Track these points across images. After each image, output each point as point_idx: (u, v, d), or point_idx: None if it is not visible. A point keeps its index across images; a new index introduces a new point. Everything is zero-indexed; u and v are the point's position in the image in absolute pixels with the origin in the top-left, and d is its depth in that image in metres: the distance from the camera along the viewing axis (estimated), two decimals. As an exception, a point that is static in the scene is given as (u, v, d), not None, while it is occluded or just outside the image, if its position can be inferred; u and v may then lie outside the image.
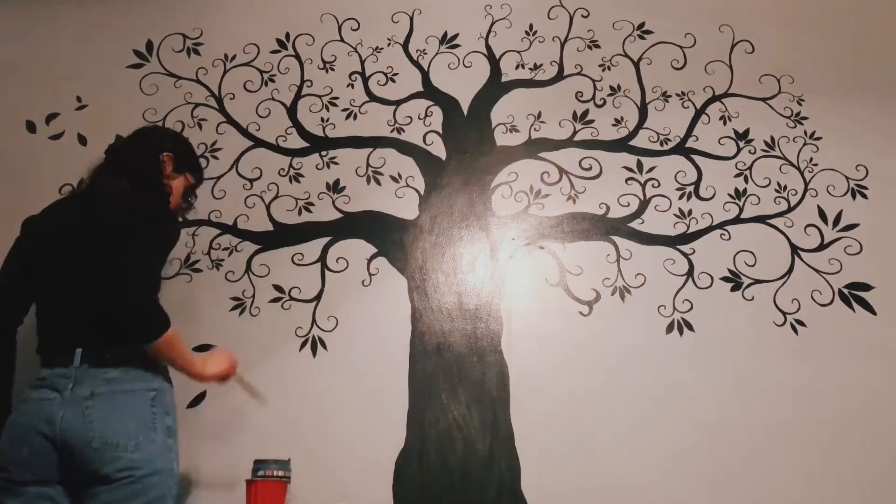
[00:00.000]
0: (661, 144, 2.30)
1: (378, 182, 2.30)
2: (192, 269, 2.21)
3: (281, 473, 1.80)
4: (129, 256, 1.57)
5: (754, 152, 2.28)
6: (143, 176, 1.78)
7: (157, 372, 1.62)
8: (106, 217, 1.65)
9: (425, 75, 2.42)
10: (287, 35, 2.48)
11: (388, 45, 2.46)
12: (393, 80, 2.42)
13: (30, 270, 1.70)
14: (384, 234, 2.23)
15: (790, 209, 2.21)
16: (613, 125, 2.33)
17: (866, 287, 2.11)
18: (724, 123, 2.32)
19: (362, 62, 2.44)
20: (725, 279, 2.14)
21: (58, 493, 1.52)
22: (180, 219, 2.01)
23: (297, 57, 2.45)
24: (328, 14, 2.50)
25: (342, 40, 2.48)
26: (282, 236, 2.24)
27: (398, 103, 2.39)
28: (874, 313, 2.09)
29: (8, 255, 1.76)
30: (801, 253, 2.16)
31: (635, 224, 2.21)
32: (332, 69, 2.44)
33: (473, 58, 2.44)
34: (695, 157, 2.28)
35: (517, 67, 2.42)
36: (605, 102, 2.36)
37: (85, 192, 1.81)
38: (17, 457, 1.51)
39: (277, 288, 2.18)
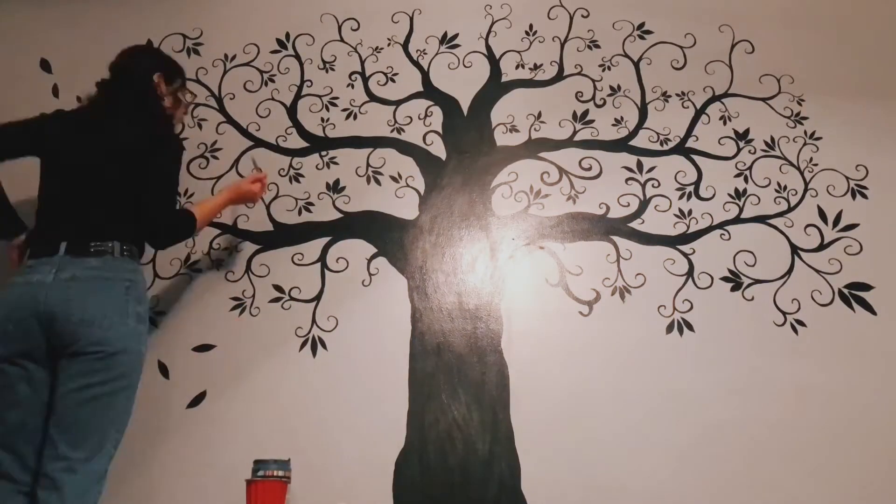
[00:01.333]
0: (661, 144, 2.30)
1: (378, 182, 2.30)
2: (192, 269, 2.21)
3: (281, 473, 1.80)
4: (161, 172, 1.83)
5: (754, 152, 2.28)
6: (143, 99, 1.93)
7: (132, 265, 1.77)
8: (132, 137, 1.83)
9: (425, 75, 2.42)
10: (287, 35, 2.48)
11: (388, 45, 2.46)
12: (393, 80, 2.42)
13: (46, 161, 1.89)
14: (384, 234, 2.23)
15: (790, 209, 2.21)
16: (613, 125, 2.33)
17: (866, 287, 2.11)
18: (724, 123, 2.32)
19: (362, 62, 2.44)
20: (725, 279, 2.14)
21: (35, 370, 1.64)
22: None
23: (297, 57, 2.45)
24: (328, 14, 2.50)
25: (342, 40, 2.48)
26: (282, 236, 2.24)
27: (398, 103, 2.39)
28: (874, 313, 2.09)
29: (27, 121, 1.96)
30: (801, 253, 2.16)
31: (635, 224, 2.21)
32: (332, 69, 2.44)
33: (473, 58, 2.44)
34: (695, 157, 2.28)
35: (517, 67, 2.42)
36: (605, 102, 2.36)
37: (102, 114, 1.91)
38: (2, 332, 1.64)
39: (277, 288, 2.18)
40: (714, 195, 2.23)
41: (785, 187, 2.23)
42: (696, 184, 2.25)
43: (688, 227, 2.20)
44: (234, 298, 2.17)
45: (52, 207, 1.82)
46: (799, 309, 2.10)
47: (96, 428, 1.62)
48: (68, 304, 1.63)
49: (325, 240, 2.23)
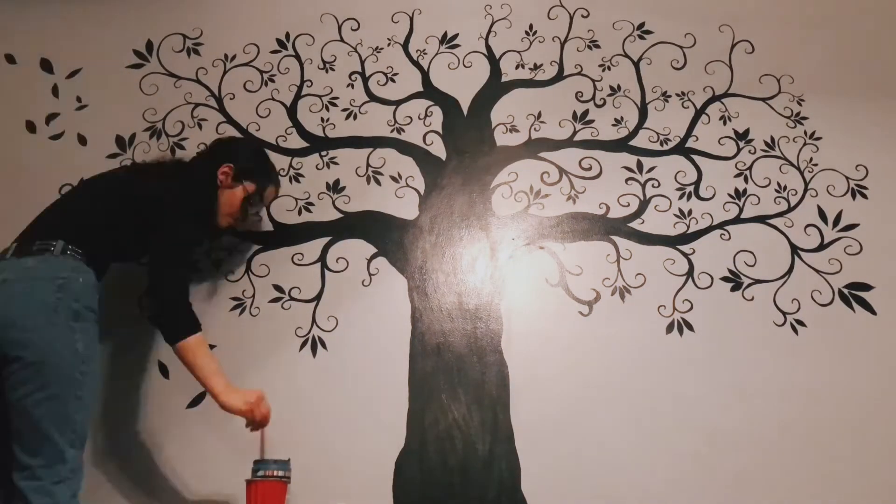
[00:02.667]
0: (661, 144, 2.30)
1: (378, 182, 2.30)
2: (192, 269, 2.21)
3: (281, 473, 1.80)
4: (164, 231, 1.81)
5: (754, 152, 2.28)
6: (196, 178, 1.96)
7: (73, 263, 1.71)
8: (150, 188, 1.87)
9: (425, 75, 2.42)
10: (287, 35, 2.48)
11: (388, 45, 2.46)
12: (393, 80, 2.42)
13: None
14: (384, 234, 2.23)
15: (790, 209, 2.21)
16: (613, 125, 2.33)
17: (866, 287, 2.12)
18: (724, 123, 2.32)
19: (362, 62, 2.44)
20: (725, 279, 2.14)
21: None
22: (237, 229, 2.14)
23: (297, 57, 2.45)
24: (328, 14, 2.50)
25: (342, 40, 2.48)
26: (282, 236, 2.24)
27: (398, 103, 2.39)
28: (874, 313, 2.09)
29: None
30: (801, 253, 2.16)
31: (635, 224, 2.21)
32: (332, 69, 2.44)
33: (473, 58, 2.44)
34: (695, 157, 2.28)
35: (517, 67, 2.42)
36: (605, 102, 2.36)
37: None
38: None
39: (277, 288, 2.18)
40: (714, 195, 2.23)
41: (785, 187, 2.23)
42: (696, 184, 2.25)
43: (688, 227, 2.20)
44: (234, 298, 2.17)
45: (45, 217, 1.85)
46: (799, 309, 2.10)
47: (47, 435, 1.57)
48: None
49: (325, 240, 2.23)
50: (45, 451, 1.57)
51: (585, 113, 2.35)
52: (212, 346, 2.11)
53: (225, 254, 2.23)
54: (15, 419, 1.58)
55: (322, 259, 2.21)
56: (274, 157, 2.32)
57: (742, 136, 2.30)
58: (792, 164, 2.26)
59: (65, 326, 1.63)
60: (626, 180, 2.26)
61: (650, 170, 2.27)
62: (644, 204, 2.23)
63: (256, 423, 1.83)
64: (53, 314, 1.62)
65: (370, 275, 2.18)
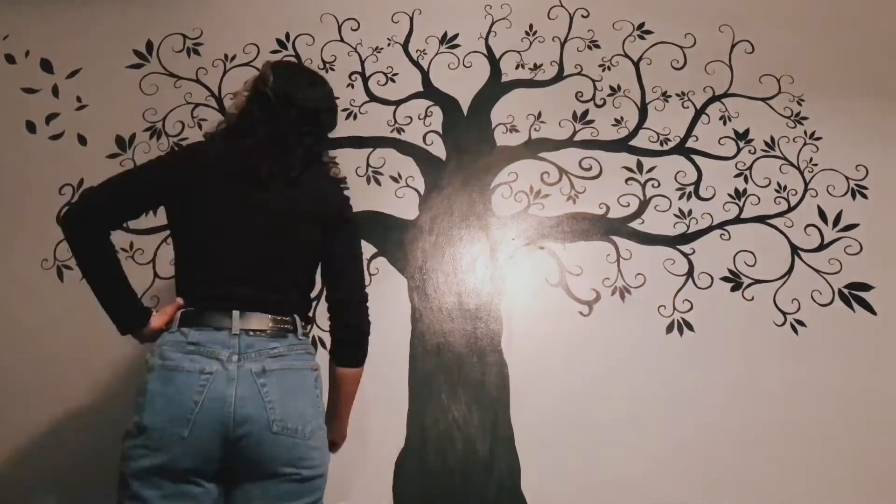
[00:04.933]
0: (661, 144, 2.30)
1: (378, 182, 2.30)
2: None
3: (281, 473, 1.80)
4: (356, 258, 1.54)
5: (754, 152, 2.28)
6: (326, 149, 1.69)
7: (311, 348, 1.47)
8: (332, 204, 1.58)
9: (425, 75, 2.42)
10: (287, 35, 2.48)
11: (388, 45, 2.46)
12: (393, 80, 2.42)
13: (189, 202, 1.44)
14: (384, 234, 2.23)
15: (790, 209, 2.21)
16: (613, 125, 2.33)
17: (866, 287, 2.12)
18: (724, 123, 2.32)
19: (362, 62, 2.44)
20: (725, 279, 2.14)
21: (204, 494, 1.29)
22: None
23: (297, 57, 2.45)
24: (328, 14, 2.50)
25: (342, 40, 2.48)
26: (282, 236, 2.24)
27: (398, 103, 2.39)
28: (874, 313, 2.09)
29: (146, 168, 1.48)
30: (801, 253, 2.16)
31: (635, 224, 2.21)
32: (332, 69, 2.44)
33: (473, 58, 2.44)
34: (695, 157, 2.28)
35: (517, 67, 2.42)
36: (605, 102, 2.36)
37: (282, 148, 1.55)
38: (176, 438, 1.26)
39: (277, 288, 2.17)
40: (714, 195, 2.23)
41: (785, 187, 2.23)
42: (696, 184, 2.25)
43: (688, 227, 2.20)
44: (234, 298, 2.17)
45: (222, 266, 1.41)
46: (799, 309, 2.10)
47: None
48: (266, 410, 1.28)
49: (325, 240, 2.23)
50: None
51: (585, 113, 2.35)
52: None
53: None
54: None
55: (322, 259, 2.20)
56: (274, 157, 2.33)
57: (742, 136, 2.30)
58: (792, 164, 2.26)
59: (325, 432, 1.40)
60: (626, 180, 2.26)
61: (650, 170, 2.27)
62: (644, 204, 2.23)
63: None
64: (321, 417, 1.38)
65: (370, 275, 2.18)
